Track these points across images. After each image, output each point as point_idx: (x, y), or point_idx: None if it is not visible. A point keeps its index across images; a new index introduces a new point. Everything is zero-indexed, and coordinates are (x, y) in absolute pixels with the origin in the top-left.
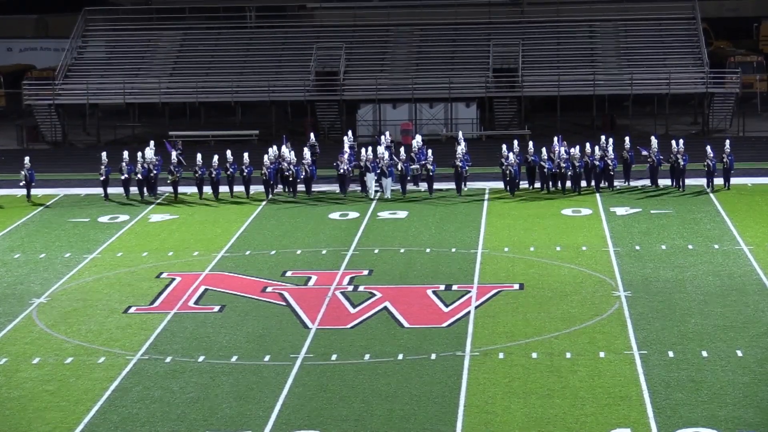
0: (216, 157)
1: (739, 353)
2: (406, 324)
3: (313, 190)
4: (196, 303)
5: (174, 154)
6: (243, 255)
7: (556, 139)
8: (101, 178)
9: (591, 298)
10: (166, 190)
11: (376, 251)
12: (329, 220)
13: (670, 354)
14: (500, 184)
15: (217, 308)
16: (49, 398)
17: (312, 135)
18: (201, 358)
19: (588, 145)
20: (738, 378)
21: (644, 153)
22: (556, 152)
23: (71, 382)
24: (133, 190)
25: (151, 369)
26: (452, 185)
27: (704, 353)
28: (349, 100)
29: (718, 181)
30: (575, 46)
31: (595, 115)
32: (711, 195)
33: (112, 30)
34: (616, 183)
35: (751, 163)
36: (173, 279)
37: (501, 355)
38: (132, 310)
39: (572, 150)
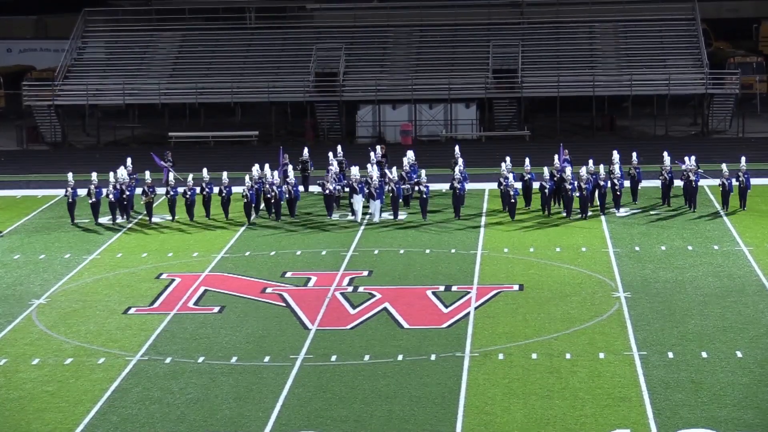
0: (191, 176)
1: (739, 354)
2: (405, 325)
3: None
4: (195, 304)
5: (161, 172)
6: (242, 256)
7: (557, 156)
8: (68, 201)
9: (591, 299)
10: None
11: (376, 252)
12: (329, 221)
13: (670, 355)
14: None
15: (216, 309)
16: (49, 399)
17: (305, 150)
18: (201, 359)
19: (590, 161)
20: (738, 379)
21: (683, 166)
22: (567, 173)
23: (71, 383)
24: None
25: (151, 370)
26: (437, 188)
27: (704, 354)
28: (349, 101)
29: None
30: (575, 47)
31: (594, 115)
32: (710, 194)
33: (111, 31)
34: (623, 209)
35: (750, 163)
36: (173, 280)
37: (501, 356)
38: (132, 310)
39: (581, 170)
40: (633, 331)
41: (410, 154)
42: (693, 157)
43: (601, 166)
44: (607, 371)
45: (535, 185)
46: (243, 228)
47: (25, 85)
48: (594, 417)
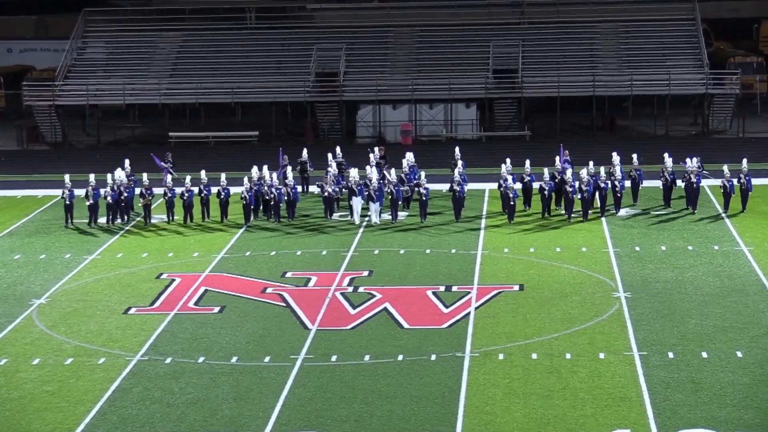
0: (188, 178)
1: (739, 354)
2: (405, 325)
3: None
4: (196, 304)
5: (164, 173)
6: (243, 256)
7: (558, 157)
8: (65, 203)
9: (591, 298)
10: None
11: (376, 252)
12: (329, 221)
13: (670, 355)
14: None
15: (217, 309)
16: (49, 399)
17: (304, 151)
18: (201, 359)
19: (591, 163)
20: (738, 379)
21: (686, 167)
22: (568, 175)
23: (71, 383)
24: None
25: (151, 370)
26: (438, 188)
27: (704, 354)
28: (349, 101)
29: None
30: (575, 47)
31: (595, 115)
32: (711, 195)
33: (112, 31)
34: (623, 210)
35: (751, 163)
36: (173, 280)
37: (501, 356)
38: (132, 310)
39: (582, 171)
40: (633, 331)
41: (410, 155)
42: (696, 158)
43: (602, 168)
44: (607, 371)
45: (535, 186)
46: (243, 229)
47: (25, 85)
48: (594, 417)
